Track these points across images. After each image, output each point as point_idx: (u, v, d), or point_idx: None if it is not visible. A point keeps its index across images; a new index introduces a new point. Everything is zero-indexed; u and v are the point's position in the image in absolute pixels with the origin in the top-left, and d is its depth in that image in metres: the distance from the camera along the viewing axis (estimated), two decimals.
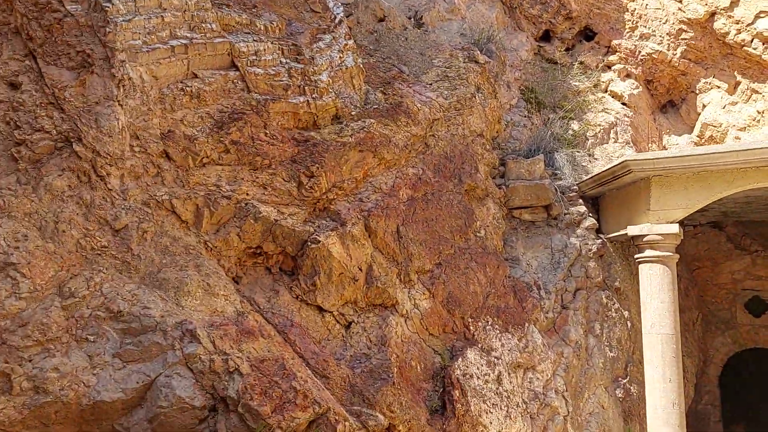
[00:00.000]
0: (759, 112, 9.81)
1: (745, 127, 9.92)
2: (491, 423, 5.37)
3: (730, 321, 10.63)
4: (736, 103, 10.35)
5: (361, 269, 5.20)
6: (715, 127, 10.36)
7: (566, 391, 6.53)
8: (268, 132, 5.12)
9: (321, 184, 5.29)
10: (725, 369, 10.62)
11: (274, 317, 4.64)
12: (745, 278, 10.58)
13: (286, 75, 5.56)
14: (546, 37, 11.27)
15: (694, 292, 10.58)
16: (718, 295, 10.74)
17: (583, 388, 6.84)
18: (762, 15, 9.33)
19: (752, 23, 9.43)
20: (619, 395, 7.28)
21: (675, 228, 6.97)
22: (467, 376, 5.40)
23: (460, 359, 5.48)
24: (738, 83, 10.17)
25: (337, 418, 4.05)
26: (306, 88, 5.60)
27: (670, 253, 7.09)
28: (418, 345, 5.38)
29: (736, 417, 11.41)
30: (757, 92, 9.89)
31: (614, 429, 6.85)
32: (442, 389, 5.27)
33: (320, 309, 4.97)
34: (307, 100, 5.56)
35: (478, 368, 5.56)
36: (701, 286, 10.81)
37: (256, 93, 5.30)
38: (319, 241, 4.99)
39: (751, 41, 9.47)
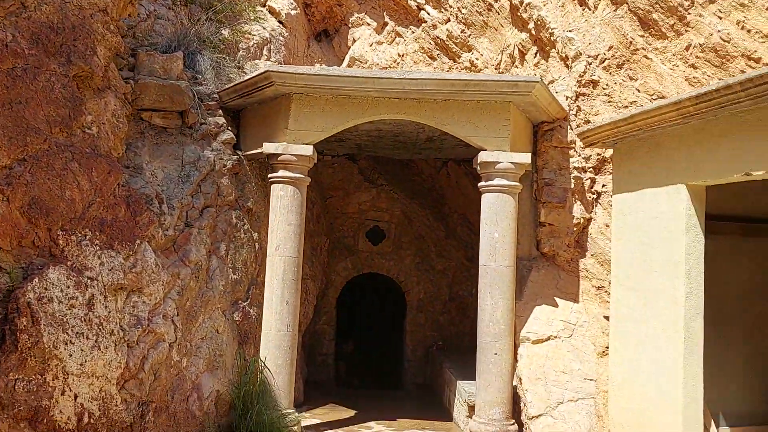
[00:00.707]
0: (400, 55, 10.34)
1: (387, 67, 10.37)
2: (71, 355, 4.40)
3: (353, 248, 11.34)
4: (382, 43, 10.78)
5: None
6: (361, 63, 10.63)
7: (177, 315, 5.90)
8: None
9: None
10: (343, 292, 11.37)
11: None
12: (370, 209, 11.36)
13: None
14: None
15: (325, 220, 10.95)
16: (346, 224, 11.34)
17: (197, 312, 6.30)
18: None
19: None
20: (237, 318, 6.97)
21: (309, 150, 6.79)
22: (44, 300, 4.31)
23: (36, 280, 4.33)
24: (385, 24, 10.56)
25: None
26: None
27: (303, 176, 6.92)
28: None
29: (348, 335, 12.46)
30: (400, 36, 10.39)
31: (227, 353, 6.51)
32: (4, 316, 4.09)
33: None
34: None
35: (62, 291, 4.49)
36: (332, 214, 11.27)
37: None
38: None
39: None
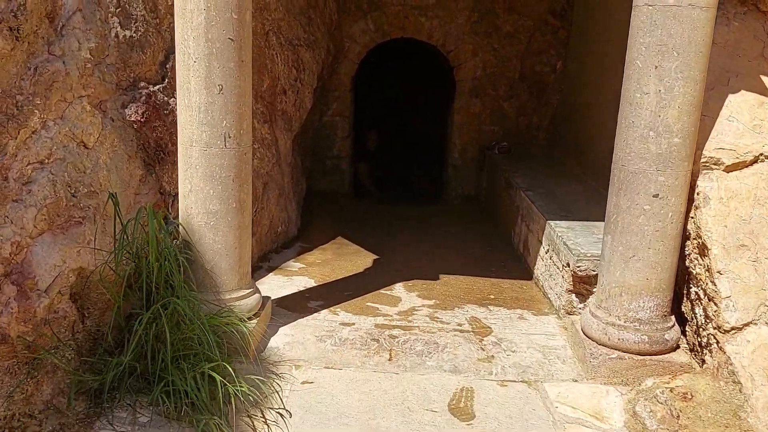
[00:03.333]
0: None
1: None
2: None
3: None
4: None
5: None
6: None
7: None
8: None
9: None
10: (362, 67, 7.74)
11: None
12: None
13: None
14: None
15: None
16: None
17: (24, 108, 2.90)
18: None
19: None
20: (135, 118, 3.56)
21: None
22: None
23: None
24: None
25: None
26: None
27: None
28: None
29: (370, 126, 9.09)
30: None
31: (112, 186, 3.24)
32: None
33: None
34: None
35: None
36: None
37: None
38: None
39: None
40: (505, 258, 5.54)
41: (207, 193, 3.27)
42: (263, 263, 4.93)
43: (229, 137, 3.23)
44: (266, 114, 5.30)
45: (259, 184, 4.98)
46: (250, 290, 3.51)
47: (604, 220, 4.61)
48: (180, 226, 3.35)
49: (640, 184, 3.25)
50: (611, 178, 3.42)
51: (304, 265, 5.01)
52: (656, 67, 3.12)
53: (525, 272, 5.14)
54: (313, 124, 7.46)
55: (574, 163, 6.47)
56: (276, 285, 4.49)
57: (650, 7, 3.09)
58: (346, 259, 5.26)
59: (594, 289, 3.96)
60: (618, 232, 3.36)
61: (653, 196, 3.23)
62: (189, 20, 3.11)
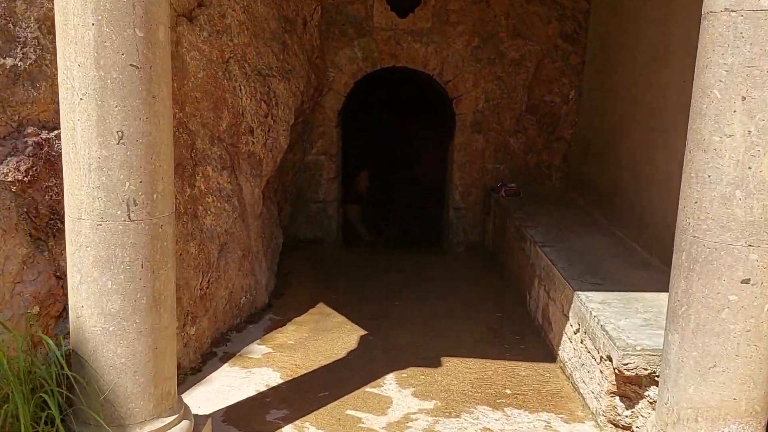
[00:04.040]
0: None
1: None
2: None
3: (364, 23, 6.59)
4: None
5: None
6: None
7: None
8: None
9: None
10: (348, 98, 6.84)
11: None
12: None
13: None
14: None
15: None
16: None
17: None
18: None
19: None
20: (15, 174, 2.61)
21: None
22: None
23: None
24: None
25: None
26: None
27: None
28: None
29: (361, 165, 8.18)
30: None
31: None
32: None
33: None
34: None
35: None
36: None
37: None
38: None
39: None
40: (520, 328, 4.54)
41: (103, 285, 2.30)
42: (219, 348, 3.94)
43: (135, 205, 2.28)
44: (225, 159, 4.36)
45: (214, 247, 4.02)
46: (172, 418, 2.51)
47: (646, 290, 3.68)
48: (69, 334, 2.38)
49: (722, 263, 2.28)
50: (676, 252, 2.45)
51: (270, 350, 4.01)
52: (744, 98, 2.17)
53: (546, 351, 4.14)
54: (295, 165, 6.55)
55: (596, 209, 5.52)
56: (228, 384, 3.49)
57: (733, 14, 2.16)
58: (325, 336, 4.27)
59: (646, 393, 2.98)
60: (690, 331, 2.38)
61: (742, 282, 2.26)
62: (72, 40, 2.18)
